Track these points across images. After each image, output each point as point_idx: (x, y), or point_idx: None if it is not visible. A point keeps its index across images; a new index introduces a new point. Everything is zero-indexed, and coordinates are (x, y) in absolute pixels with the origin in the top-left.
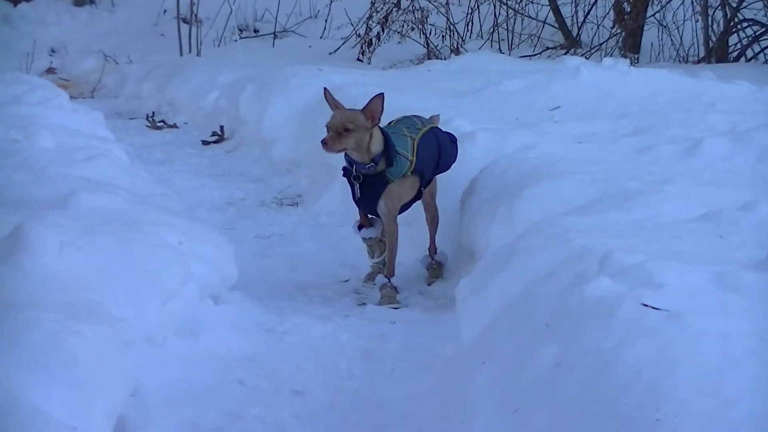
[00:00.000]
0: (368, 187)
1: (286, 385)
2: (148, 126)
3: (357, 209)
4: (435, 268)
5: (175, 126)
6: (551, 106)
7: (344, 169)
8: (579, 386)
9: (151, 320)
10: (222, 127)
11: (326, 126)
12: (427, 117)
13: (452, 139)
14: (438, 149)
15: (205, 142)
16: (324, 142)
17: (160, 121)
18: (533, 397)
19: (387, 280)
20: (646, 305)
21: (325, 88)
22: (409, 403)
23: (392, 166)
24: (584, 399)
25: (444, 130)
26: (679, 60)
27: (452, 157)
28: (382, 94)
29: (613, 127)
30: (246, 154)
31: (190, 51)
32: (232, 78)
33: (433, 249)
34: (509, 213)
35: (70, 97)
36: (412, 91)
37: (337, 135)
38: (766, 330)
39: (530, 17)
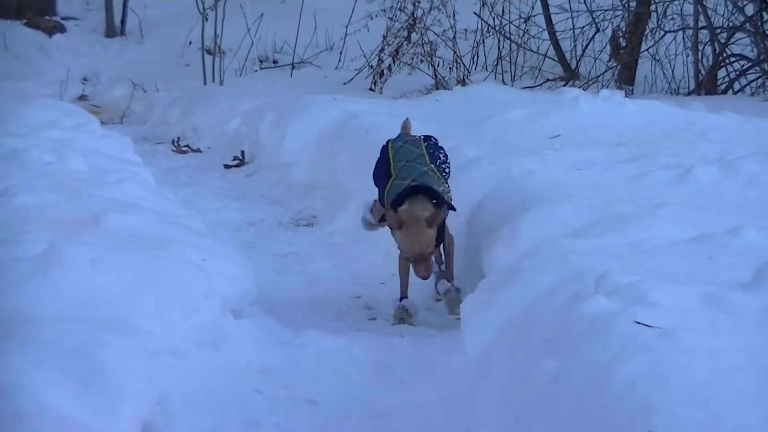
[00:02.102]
0: None
1: (302, 394)
2: (173, 150)
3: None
4: (452, 296)
5: (199, 150)
6: (551, 135)
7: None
8: (576, 398)
9: (176, 333)
10: (243, 152)
11: (407, 258)
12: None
13: (436, 142)
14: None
15: (227, 166)
16: (423, 277)
17: (185, 146)
18: (533, 408)
19: (450, 284)
20: (639, 323)
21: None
22: (417, 412)
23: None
24: (581, 410)
25: (419, 135)
26: (671, 92)
27: (446, 162)
28: (441, 212)
29: (610, 154)
30: (265, 178)
31: (213, 80)
32: (252, 106)
33: (450, 275)
34: (512, 234)
35: (101, 123)
36: (421, 120)
37: (424, 262)
38: (753, 347)
39: (532, 51)
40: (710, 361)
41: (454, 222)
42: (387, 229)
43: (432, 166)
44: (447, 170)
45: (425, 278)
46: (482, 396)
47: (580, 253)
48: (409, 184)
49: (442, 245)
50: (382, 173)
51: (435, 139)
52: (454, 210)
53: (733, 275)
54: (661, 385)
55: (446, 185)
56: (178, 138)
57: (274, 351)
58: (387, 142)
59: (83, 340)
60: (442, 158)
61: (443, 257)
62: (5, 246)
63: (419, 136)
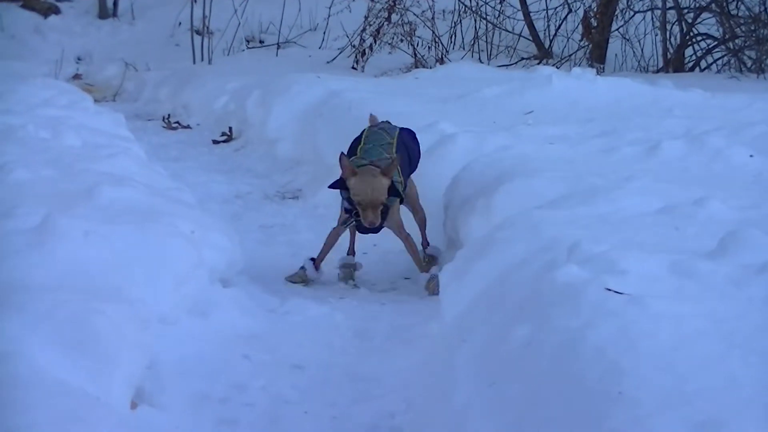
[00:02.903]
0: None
1: (287, 360)
2: (164, 127)
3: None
4: (428, 261)
5: (188, 127)
6: (525, 111)
7: (348, 210)
8: (548, 362)
9: (166, 301)
10: (230, 128)
11: (358, 202)
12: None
13: (413, 137)
14: (408, 156)
15: (215, 142)
16: (370, 223)
17: (175, 123)
18: (508, 372)
19: (429, 273)
20: (609, 290)
21: (341, 154)
22: (397, 377)
23: (397, 197)
24: (553, 374)
25: (399, 126)
26: (641, 70)
27: (418, 156)
28: (397, 159)
29: (581, 130)
30: (252, 153)
31: (202, 59)
32: (239, 84)
33: (425, 243)
34: (487, 207)
35: (95, 101)
36: (401, 97)
37: (374, 210)
38: (717, 313)
39: (507, 31)
40: (676, 326)
41: (430, 196)
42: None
43: (395, 155)
44: (414, 165)
45: (373, 225)
46: (459, 361)
47: (552, 224)
48: (369, 162)
49: (417, 220)
50: (350, 151)
51: (413, 132)
52: (400, 198)
53: (698, 244)
54: (630, 350)
55: (401, 178)
56: (169, 115)
57: (261, 318)
58: (365, 128)
59: (77, 309)
60: (412, 153)
61: (418, 228)
62: (2, 219)
63: (398, 128)
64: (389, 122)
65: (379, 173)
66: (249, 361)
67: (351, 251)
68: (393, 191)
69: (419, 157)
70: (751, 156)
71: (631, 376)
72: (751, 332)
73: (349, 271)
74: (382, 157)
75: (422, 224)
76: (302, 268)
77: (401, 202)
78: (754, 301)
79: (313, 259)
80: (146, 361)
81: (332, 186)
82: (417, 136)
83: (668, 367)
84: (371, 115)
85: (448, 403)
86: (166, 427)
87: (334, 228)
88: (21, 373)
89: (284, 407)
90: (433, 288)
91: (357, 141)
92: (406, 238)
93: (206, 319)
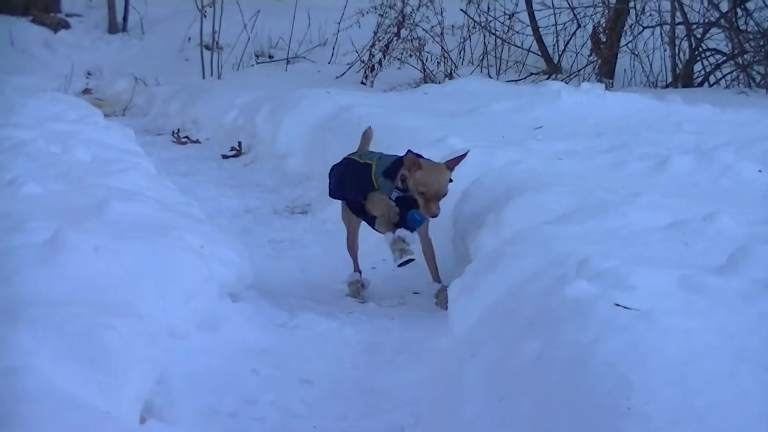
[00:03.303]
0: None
1: (296, 374)
2: (173, 141)
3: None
4: (443, 291)
5: (197, 141)
6: (535, 126)
7: (398, 199)
8: (558, 377)
9: (176, 316)
10: (240, 143)
11: (422, 193)
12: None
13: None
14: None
15: (224, 156)
16: (433, 215)
17: (184, 137)
18: (518, 387)
19: (440, 285)
20: (618, 305)
21: (408, 151)
22: (407, 391)
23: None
24: (563, 389)
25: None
26: (650, 85)
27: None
28: (465, 154)
29: (590, 145)
30: (261, 167)
31: (211, 74)
32: (249, 99)
33: (437, 277)
34: (497, 221)
35: (104, 115)
36: (410, 112)
37: (437, 201)
38: (726, 328)
39: (516, 46)
40: (686, 341)
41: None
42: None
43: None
44: None
45: (435, 216)
46: (469, 375)
47: (562, 239)
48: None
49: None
50: (351, 175)
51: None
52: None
53: (707, 260)
54: (640, 365)
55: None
56: (178, 129)
57: (270, 333)
58: (344, 159)
59: (87, 323)
60: None
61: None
62: (13, 233)
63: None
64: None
65: (444, 166)
66: (258, 376)
67: (356, 268)
68: None
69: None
70: (760, 171)
71: (641, 390)
72: (760, 347)
73: (356, 288)
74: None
75: (432, 257)
76: (399, 239)
77: None
78: (764, 316)
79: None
80: (156, 376)
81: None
82: (427, 150)
83: (678, 381)
84: (366, 130)
85: (458, 417)
86: None
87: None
88: (31, 386)
89: (294, 422)
90: (442, 300)
91: (349, 166)
92: (428, 243)
93: (215, 334)
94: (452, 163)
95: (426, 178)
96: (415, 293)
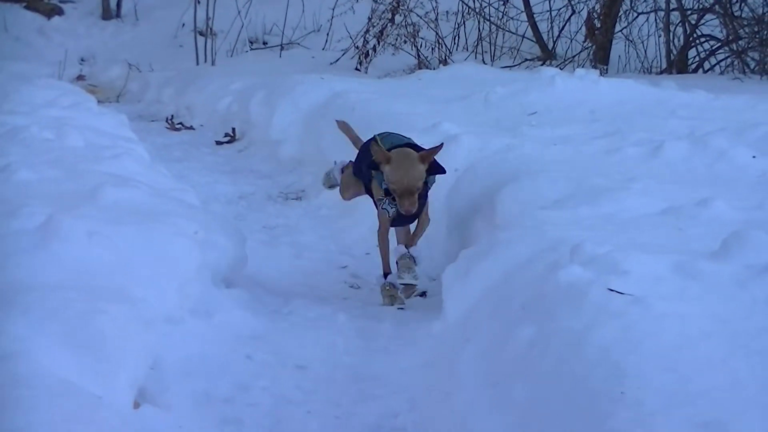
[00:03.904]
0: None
1: (290, 360)
2: (167, 128)
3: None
4: (406, 260)
5: (191, 128)
6: (529, 112)
7: (386, 190)
8: (552, 363)
9: (170, 301)
10: (234, 129)
11: (393, 190)
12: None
13: None
14: None
15: (218, 143)
16: (407, 211)
17: (178, 124)
18: (512, 372)
19: (406, 250)
20: (612, 290)
21: (374, 140)
22: (401, 377)
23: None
24: (557, 374)
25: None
26: (644, 71)
27: None
28: (441, 146)
29: (585, 130)
30: (255, 154)
31: (205, 61)
32: (243, 85)
33: (411, 242)
34: (491, 207)
35: (98, 102)
36: (404, 98)
37: (410, 197)
38: (720, 313)
39: (511, 32)
40: (680, 327)
41: (434, 196)
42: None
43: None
44: None
45: (409, 213)
46: (463, 361)
47: (556, 224)
48: (398, 143)
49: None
50: (365, 156)
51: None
52: (444, 172)
53: (701, 245)
54: (633, 350)
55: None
56: (172, 116)
57: (264, 318)
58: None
59: (82, 309)
60: None
61: (415, 230)
62: (6, 219)
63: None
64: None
65: (417, 159)
66: (252, 362)
67: (387, 268)
68: (436, 169)
69: None
70: (754, 157)
71: (635, 376)
72: (754, 333)
73: (392, 292)
74: (411, 143)
75: (422, 228)
76: (388, 286)
77: None
78: (758, 301)
79: (385, 275)
80: (150, 361)
81: (370, 166)
82: (422, 136)
83: (671, 367)
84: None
85: (452, 402)
86: (169, 427)
87: (379, 230)
88: (26, 372)
89: (288, 407)
90: (403, 265)
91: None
92: (426, 220)
93: (210, 320)
94: (425, 156)
95: (395, 174)
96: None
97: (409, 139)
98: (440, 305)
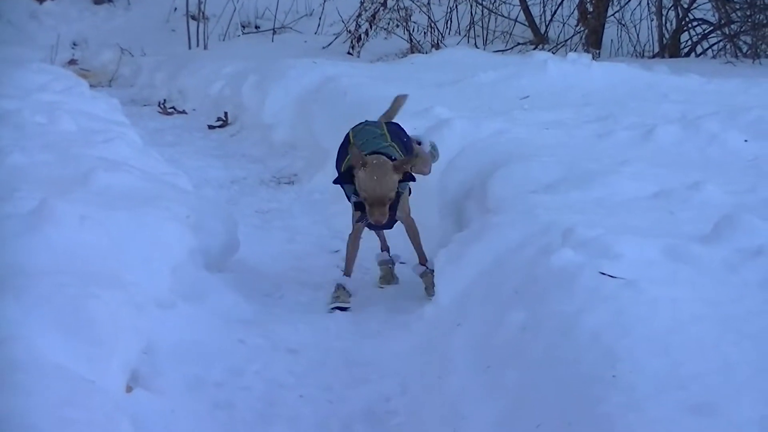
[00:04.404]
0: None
1: (282, 344)
2: (159, 112)
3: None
4: (428, 275)
5: (184, 112)
6: (521, 96)
7: (357, 204)
8: (544, 347)
9: (162, 286)
10: (226, 113)
11: (364, 198)
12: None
13: (400, 128)
14: (402, 143)
15: (210, 127)
16: (376, 221)
17: (170, 108)
18: (503, 357)
19: (425, 267)
20: (603, 274)
21: (351, 144)
22: (393, 361)
23: (412, 181)
24: (548, 358)
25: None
26: (636, 55)
27: (411, 145)
28: (414, 158)
29: (577, 114)
30: (247, 138)
31: (198, 45)
32: (235, 69)
33: (423, 258)
34: (483, 191)
35: (90, 86)
36: (396, 82)
37: (381, 207)
38: (712, 297)
39: (503, 16)
40: (671, 310)
41: (426, 180)
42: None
43: (393, 143)
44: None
45: (379, 223)
46: (455, 345)
47: (547, 208)
48: (372, 150)
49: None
50: (342, 156)
51: (399, 125)
52: (414, 180)
53: (693, 229)
54: (625, 334)
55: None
56: (164, 100)
57: (256, 303)
58: (349, 131)
59: (74, 293)
60: (405, 139)
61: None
62: None
63: (380, 121)
64: (367, 120)
65: (391, 169)
66: (244, 346)
67: (384, 246)
68: (407, 176)
69: (412, 148)
70: (746, 141)
71: (626, 360)
72: (745, 316)
73: (387, 269)
74: (382, 146)
75: (415, 235)
76: (339, 288)
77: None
78: (749, 285)
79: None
80: (142, 346)
81: (336, 181)
82: (413, 120)
83: (663, 351)
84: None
85: (444, 386)
86: (162, 411)
87: (350, 233)
88: (19, 357)
89: (280, 391)
90: (428, 284)
91: (345, 144)
92: (410, 224)
93: (202, 304)
94: (400, 166)
95: (366, 182)
96: (401, 263)
97: (383, 133)
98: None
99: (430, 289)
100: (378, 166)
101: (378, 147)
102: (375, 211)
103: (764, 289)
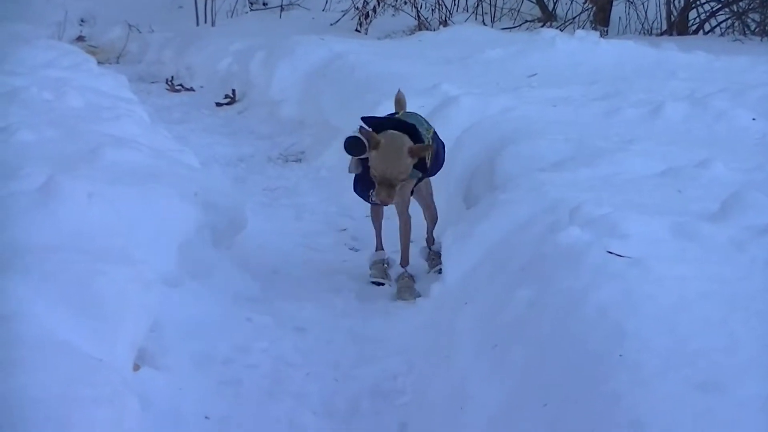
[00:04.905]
0: None
1: (289, 322)
2: (167, 89)
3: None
4: (434, 258)
5: (191, 89)
6: (529, 73)
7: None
8: (551, 325)
9: (169, 263)
10: (234, 90)
11: (373, 176)
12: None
13: (443, 146)
14: (437, 151)
15: (218, 104)
16: (382, 201)
17: (178, 85)
18: (510, 335)
19: (403, 269)
20: (611, 252)
21: (360, 127)
22: (400, 339)
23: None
24: (555, 336)
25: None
26: (644, 32)
27: (441, 163)
28: (431, 147)
29: (584, 92)
30: (255, 115)
31: (205, 21)
32: (243, 46)
33: (431, 240)
34: (490, 169)
35: (98, 63)
36: (405, 59)
37: (388, 189)
38: (719, 275)
39: None
40: (678, 288)
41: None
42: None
43: (431, 133)
44: (438, 166)
45: (384, 204)
46: (462, 323)
47: (555, 186)
48: (400, 118)
49: (428, 217)
50: (381, 119)
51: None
52: (424, 172)
53: (701, 207)
54: (632, 312)
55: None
56: (172, 77)
57: (263, 280)
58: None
59: (82, 270)
60: (440, 154)
61: (426, 225)
62: (6, 180)
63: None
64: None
65: (406, 151)
66: (251, 323)
67: (379, 246)
68: (419, 165)
69: (441, 166)
70: (753, 119)
71: (633, 338)
72: (752, 294)
73: (380, 268)
74: (420, 122)
75: (432, 221)
76: (378, 262)
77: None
78: (756, 263)
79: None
80: (149, 323)
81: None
82: (421, 98)
83: (670, 329)
84: (399, 91)
85: (451, 364)
86: (169, 389)
87: (372, 208)
88: (25, 333)
89: (287, 369)
90: (401, 288)
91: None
92: (405, 221)
93: (209, 281)
94: (417, 151)
95: (378, 162)
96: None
97: (428, 127)
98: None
99: (402, 292)
100: (393, 147)
101: (415, 122)
102: (382, 191)
103: None
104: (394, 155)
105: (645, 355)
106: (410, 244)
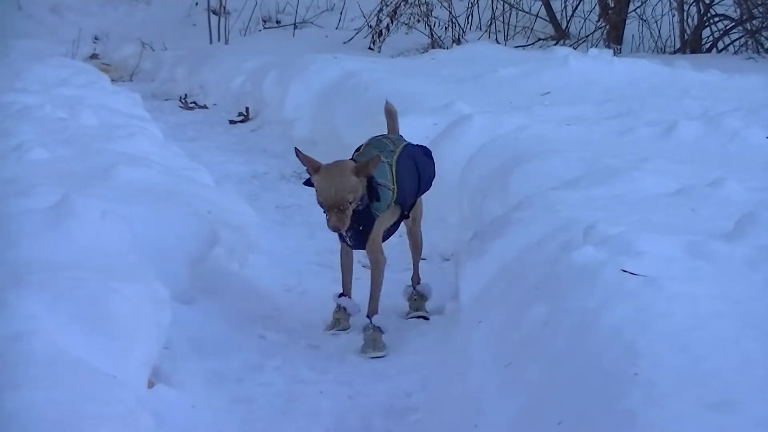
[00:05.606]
0: (355, 225)
1: (303, 339)
2: (180, 107)
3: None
4: (416, 299)
5: (205, 107)
6: (542, 92)
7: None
8: (565, 343)
9: (183, 281)
10: (247, 108)
11: (320, 203)
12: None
13: (426, 153)
14: (416, 169)
15: (232, 122)
16: (334, 227)
17: (191, 103)
18: (524, 353)
19: (369, 320)
20: (625, 271)
21: (296, 149)
22: (413, 357)
23: (378, 201)
24: (570, 355)
25: (415, 144)
26: (657, 51)
27: (432, 173)
28: (378, 157)
29: (598, 110)
30: (269, 133)
31: (219, 39)
32: (256, 64)
33: (416, 278)
34: (504, 187)
35: (111, 80)
36: (417, 77)
37: (339, 212)
38: (733, 294)
39: (524, 11)
40: (692, 307)
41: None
42: None
43: (395, 166)
44: (424, 183)
45: (336, 230)
46: (475, 341)
47: (569, 204)
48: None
49: (412, 245)
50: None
51: (427, 149)
52: (378, 200)
53: (714, 226)
54: (646, 330)
55: (393, 184)
56: (185, 95)
57: (277, 298)
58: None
59: (95, 288)
60: (423, 169)
61: (411, 256)
62: (20, 198)
63: (407, 141)
64: (401, 136)
65: (350, 170)
66: (265, 341)
67: (346, 291)
68: (373, 194)
69: (433, 176)
70: (767, 137)
71: (647, 356)
72: (765, 313)
73: (342, 315)
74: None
75: (417, 250)
76: (339, 309)
77: (404, 218)
78: None
79: (341, 295)
80: (163, 341)
81: (307, 183)
82: (434, 116)
83: (683, 347)
84: (387, 102)
85: (464, 382)
86: (183, 406)
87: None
88: (38, 350)
89: (300, 387)
90: (367, 339)
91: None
92: (376, 264)
93: (222, 299)
94: (362, 168)
95: (321, 185)
96: (422, 259)
97: (393, 150)
98: (453, 285)
99: (366, 346)
100: (334, 169)
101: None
102: (332, 215)
103: None
104: (337, 174)
105: (658, 373)
106: (381, 290)
